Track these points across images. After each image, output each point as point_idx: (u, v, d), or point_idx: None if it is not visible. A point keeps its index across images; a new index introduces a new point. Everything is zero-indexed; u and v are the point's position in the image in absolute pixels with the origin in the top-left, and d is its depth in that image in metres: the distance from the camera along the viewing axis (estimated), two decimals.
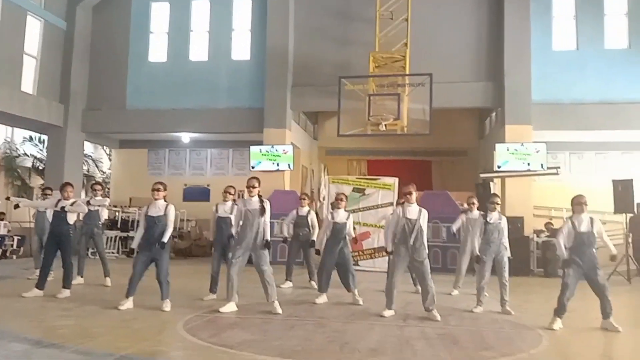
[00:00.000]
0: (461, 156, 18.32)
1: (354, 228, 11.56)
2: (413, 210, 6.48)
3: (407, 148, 17.87)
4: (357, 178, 13.50)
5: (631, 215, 11.39)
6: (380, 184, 12.32)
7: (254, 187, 6.50)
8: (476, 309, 6.94)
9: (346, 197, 8.06)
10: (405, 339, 5.23)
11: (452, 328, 5.89)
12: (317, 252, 8.05)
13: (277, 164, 13.30)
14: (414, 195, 6.53)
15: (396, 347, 4.92)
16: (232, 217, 7.30)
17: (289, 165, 13.29)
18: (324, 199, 13.05)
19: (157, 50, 15.57)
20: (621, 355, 5.24)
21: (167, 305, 6.42)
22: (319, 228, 8.69)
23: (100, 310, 6.22)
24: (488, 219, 7.12)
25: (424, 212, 6.50)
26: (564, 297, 5.94)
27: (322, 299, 7.36)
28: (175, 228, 14.95)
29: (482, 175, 13.69)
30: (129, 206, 15.77)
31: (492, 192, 12.88)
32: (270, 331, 5.49)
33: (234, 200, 7.64)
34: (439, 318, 6.21)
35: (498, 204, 7.30)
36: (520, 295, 8.28)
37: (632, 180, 11.14)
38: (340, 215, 7.59)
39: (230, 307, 6.37)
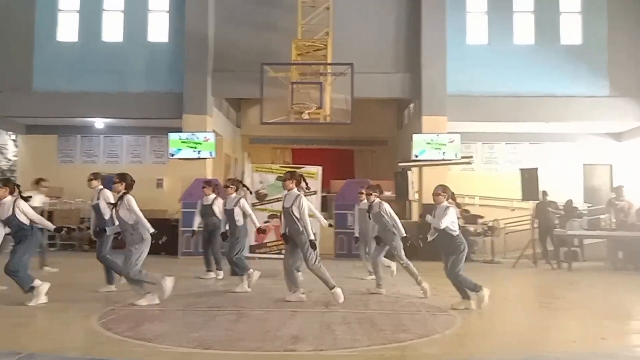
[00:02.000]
0: (382, 145, 18.79)
1: (267, 221, 11.39)
2: (288, 198, 6.46)
3: (330, 137, 18.09)
4: (280, 166, 13.45)
5: (537, 202, 12.18)
6: (304, 172, 12.34)
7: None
8: (381, 290, 7.31)
9: (234, 183, 7.99)
10: (327, 325, 5.31)
11: (371, 312, 6.05)
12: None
13: (198, 152, 12.89)
14: (288, 183, 6.49)
15: (317, 333, 4.97)
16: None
17: (210, 153, 12.93)
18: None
19: (67, 29, 14.56)
20: (525, 330, 5.60)
21: (36, 300, 6.05)
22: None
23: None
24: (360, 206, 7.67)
25: (299, 198, 6.37)
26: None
27: (243, 286, 7.33)
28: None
29: (400, 164, 14.09)
30: None
31: (410, 180, 13.33)
32: (191, 323, 5.38)
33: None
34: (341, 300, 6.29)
35: (369, 194, 7.57)
36: (436, 279, 8.62)
37: (537, 169, 11.88)
38: (229, 201, 7.71)
39: (152, 299, 6.18)
